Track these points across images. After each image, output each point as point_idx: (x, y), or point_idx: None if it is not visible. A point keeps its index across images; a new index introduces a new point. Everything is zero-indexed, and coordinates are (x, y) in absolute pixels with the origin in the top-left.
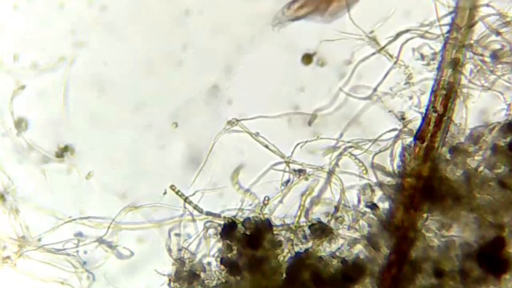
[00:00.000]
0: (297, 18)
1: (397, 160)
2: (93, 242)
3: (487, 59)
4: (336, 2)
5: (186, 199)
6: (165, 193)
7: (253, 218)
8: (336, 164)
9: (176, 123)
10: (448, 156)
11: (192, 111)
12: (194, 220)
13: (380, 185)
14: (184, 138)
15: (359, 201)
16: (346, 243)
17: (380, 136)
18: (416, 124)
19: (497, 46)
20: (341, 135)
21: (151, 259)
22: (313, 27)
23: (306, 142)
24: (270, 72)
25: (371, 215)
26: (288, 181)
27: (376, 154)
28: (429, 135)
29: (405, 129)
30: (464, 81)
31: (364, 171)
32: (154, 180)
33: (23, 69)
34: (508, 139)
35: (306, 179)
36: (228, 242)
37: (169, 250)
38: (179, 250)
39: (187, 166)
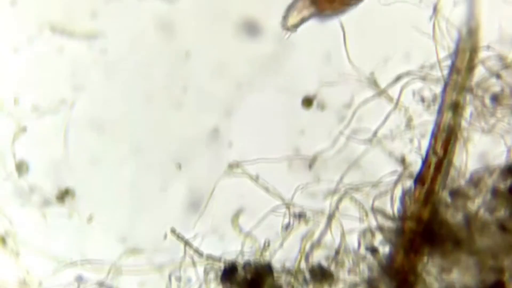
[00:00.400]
0: (302, 22)
1: (397, 204)
2: (94, 285)
3: (488, 102)
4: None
5: (186, 242)
6: (165, 237)
7: (253, 262)
8: (336, 208)
9: (180, 164)
10: (448, 199)
11: (192, 153)
12: (194, 264)
13: (381, 228)
14: (184, 180)
15: (359, 244)
16: (347, 287)
17: (380, 179)
18: (416, 167)
19: (498, 89)
20: (341, 178)
21: None
22: (313, 70)
23: (307, 185)
24: (270, 115)
25: (372, 259)
26: (288, 224)
27: (376, 197)
28: (429, 178)
29: (406, 172)
30: (464, 124)
31: (365, 215)
32: (155, 222)
33: (24, 111)
34: (508, 183)
35: (306, 222)
36: (229, 285)
37: None
38: None
39: (188, 208)
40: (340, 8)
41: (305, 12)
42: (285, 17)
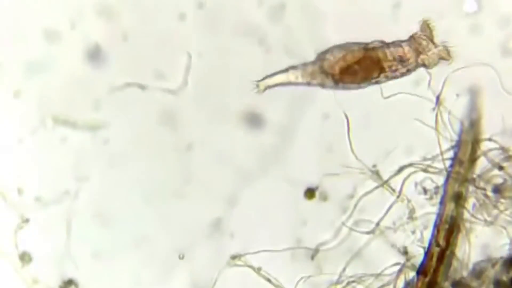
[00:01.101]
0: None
1: None
2: None
3: (490, 194)
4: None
5: None
6: None
7: None
8: None
9: (183, 255)
10: None
11: (195, 244)
12: None
13: None
14: (186, 271)
15: None
16: None
17: (383, 270)
18: (418, 258)
19: (500, 181)
20: (344, 269)
21: None
22: (315, 161)
23: (309, 276)
24: (272, 206)
25: None
26: None
27: None
28: (431, 269)
29: (408, 263)
30: (466, 215)
31: None
32: None
33: (27, 202)
34: (510, 275)
35: None
36: None
37: None
38: None
39: None
40: (360, 83)
41: (315, 80)
42: (268, 77)
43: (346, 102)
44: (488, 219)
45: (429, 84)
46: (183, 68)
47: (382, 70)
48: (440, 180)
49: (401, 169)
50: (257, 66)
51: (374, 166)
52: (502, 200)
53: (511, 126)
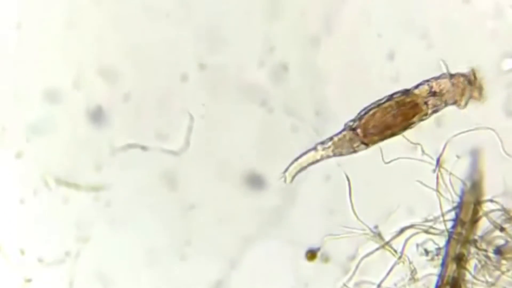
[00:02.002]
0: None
1: None
2: None
3: (492, 255)
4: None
5: None
6: None
7: None
8: None
9: None
10: None
11: None
12: None
13: None
14: None
15: None
16: None
17: None
18: None
19: (501, 242)
20: None
21: None
22: (317, 222)
23: None
24: (274, 267)
25: None
26: None
27: None
28: None
29: None
30: (468, 277)
31: None
32: None
33: (29, 263)
34: None
35: None
36: None
37: None
38: None
39: None
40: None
41: (346, 149)
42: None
43: (347, 163)
44: (490, 280)
45: (422, 151)
46: (184, 129)
47: (418, 111)
48: (441, 241)
49: (402, 231)
50: (259, 127)
51: (375, 227)
52: (504, 262)
53: None
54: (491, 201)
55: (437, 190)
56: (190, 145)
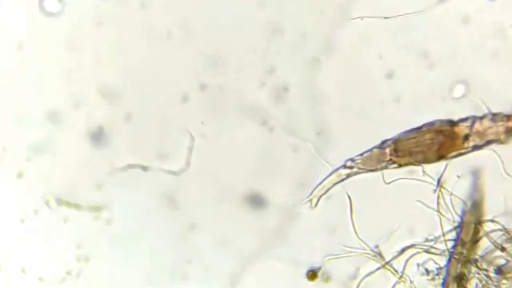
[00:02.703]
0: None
1: None
2: None
3: (492, 275)
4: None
5: None
6: None
7: None
8: None
9: None
10: None
11: None
12: None
13: None
14: None
15: None
16: None
17: None
18: None
19: (502, 262)
20: None
21: None
22: (318, 242)
23: None
24: (274, 286)
25: None
26: None
27: None
28: None
29: None
30: None
31: None
32: None
33: (30, 283)
34: None
35: None
36: None
37: None
38: None
39: None
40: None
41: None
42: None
43: (349, 183)
44: None
45: (423, 171)
46: (185, 149)
47: (458, 143)
48: (442, 261)
49: (403, 250)
50: (260, 147)
51: (376, 247)
52: (504, 281)
53: None
54: (492, 221)
55: (437, 210)
56: (190, 165)
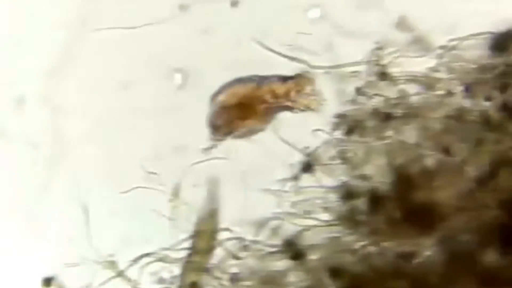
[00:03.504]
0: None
1: None
2: None
3: (226, 283)
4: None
5: None
6: None
7: None
8: None
9: None
10: None
11: None
12: None
13: None
14: None
15: None
16: None
17: None
18: None
19: (236, 270)
20: None
21: None
22: (55, 251)
23: None
24: None
25: None
26: None
27: None
28: None
29: None
30: None
31: None
32: None
33: None
34: None
35: None
36: None
37: None
38: None
39: None
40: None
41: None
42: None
43: (86, 192)
44: None
45: (159, 181)
46: None
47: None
48: (177, 269)
49: (138, 259)
50: None
51: (111, 255)
52: None
53: (249, 217)
54: (227, 229)
55: (173, 219)
56: None
